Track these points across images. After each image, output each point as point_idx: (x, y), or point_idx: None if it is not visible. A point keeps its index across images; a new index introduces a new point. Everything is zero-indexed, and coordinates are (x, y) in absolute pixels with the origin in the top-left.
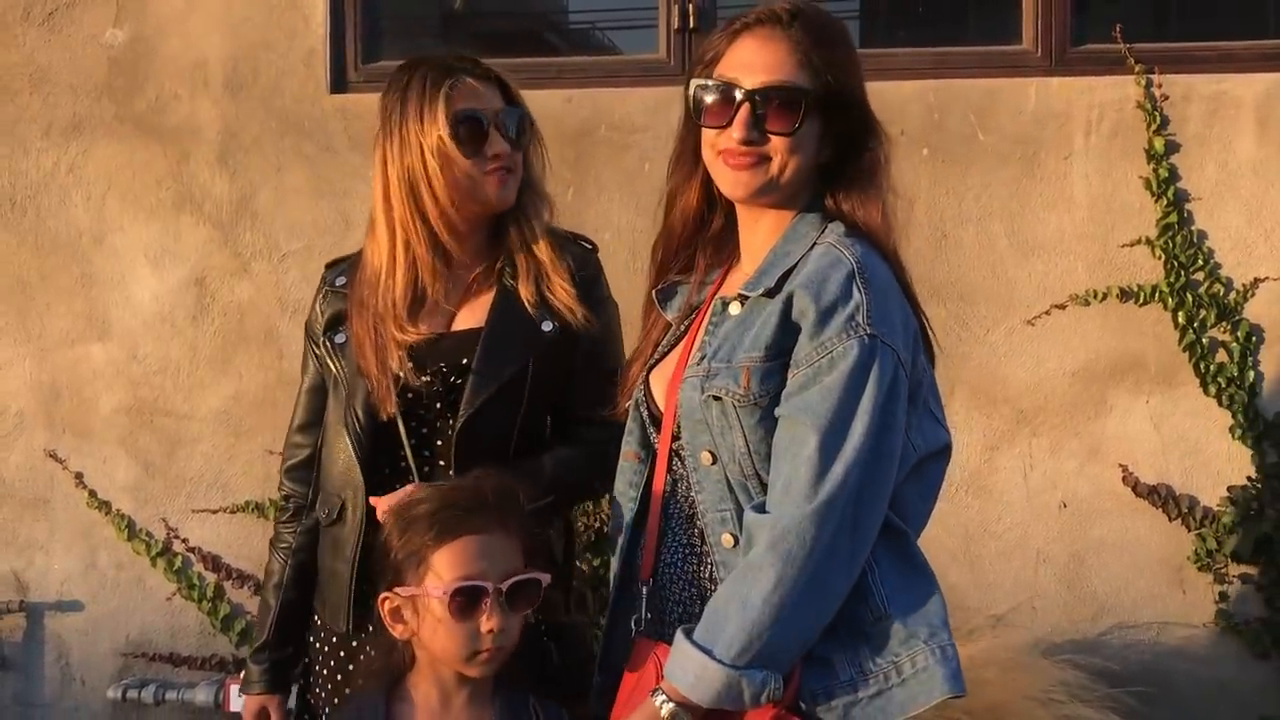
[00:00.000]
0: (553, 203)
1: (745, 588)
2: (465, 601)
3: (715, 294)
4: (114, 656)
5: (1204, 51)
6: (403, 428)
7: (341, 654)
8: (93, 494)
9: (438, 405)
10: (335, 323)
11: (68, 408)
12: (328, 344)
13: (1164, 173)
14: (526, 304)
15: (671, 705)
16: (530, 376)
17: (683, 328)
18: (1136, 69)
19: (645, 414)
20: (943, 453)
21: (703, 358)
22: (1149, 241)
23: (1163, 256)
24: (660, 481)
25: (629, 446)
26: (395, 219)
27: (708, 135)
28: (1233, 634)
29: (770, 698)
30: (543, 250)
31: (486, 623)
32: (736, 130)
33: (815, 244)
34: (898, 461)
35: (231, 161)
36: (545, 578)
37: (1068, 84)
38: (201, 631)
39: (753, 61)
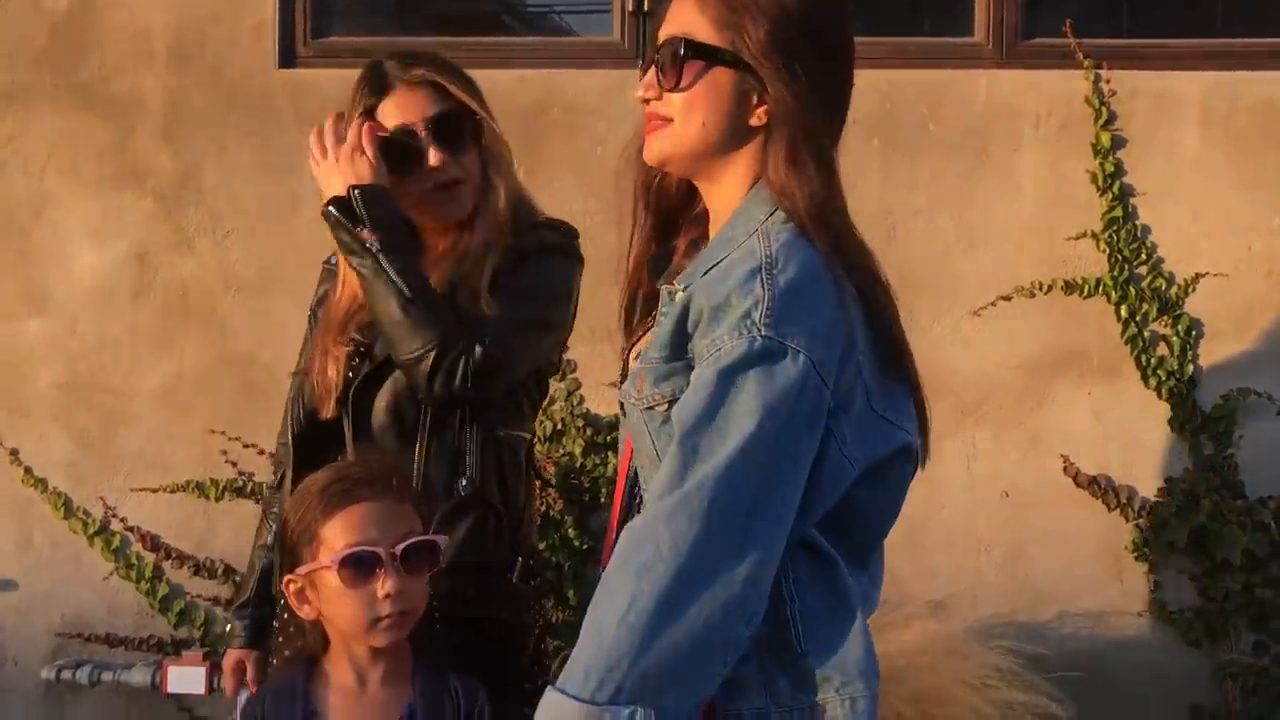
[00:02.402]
0: (510, 192)
1: (600, 611)
2: (357, 568)
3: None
4: (48, 636)
5: (1151, 48)
6: (350, 428)
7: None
8: (28, 471)
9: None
10: (319, 303)
11: (3, 383)
12: (310, 322)
13: (1110, 167)
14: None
15: None
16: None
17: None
18: (1085, 64)
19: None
20: (901, 453)
21: (639, 354)
22: (1094, 235)
23: (1107, 250)
24: (624, 468)
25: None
26: None
27: None
28: (1167, 623)
29: None
30: (480, 250)
31: (382, 588)
32: (640, 91)
33: (757, 230)
34: (797, 477)
35: (175, 135)
36: (442, 540)
37: (1018, 77)
38: (139, 612)
39: (666, 18)
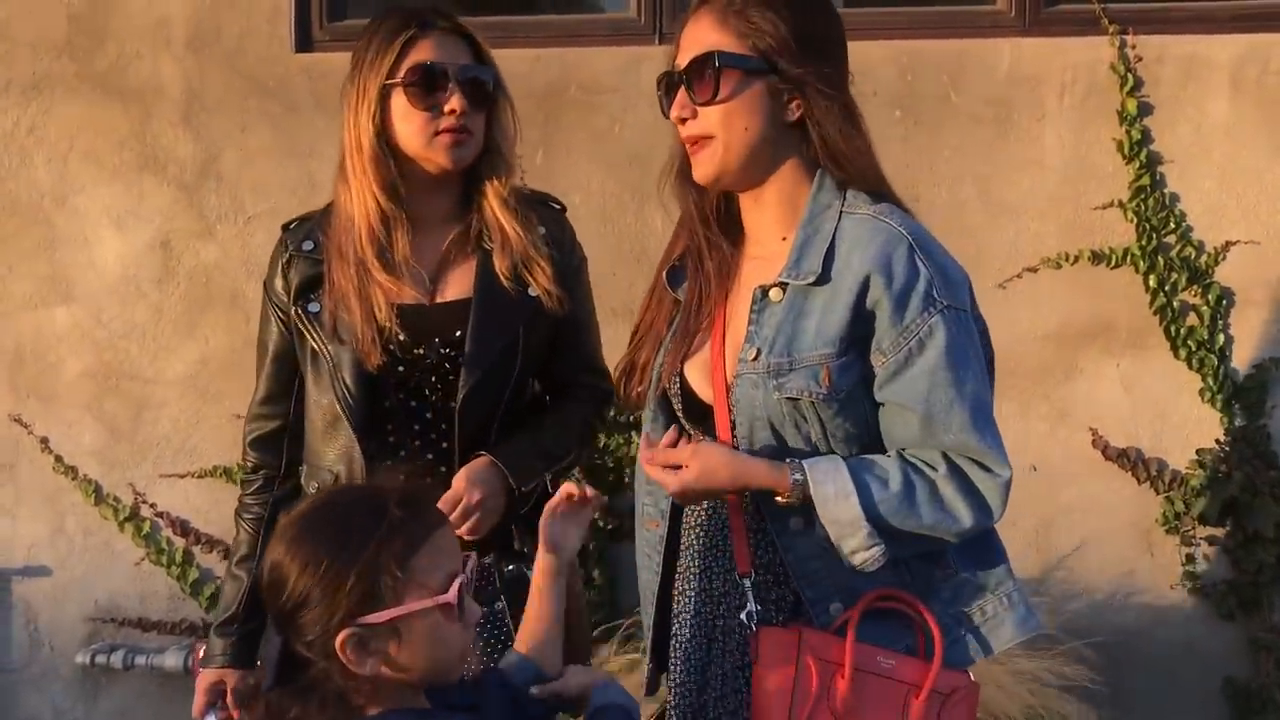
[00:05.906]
0: (514, 167)
1: (928, 509)
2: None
3: (735, 279)
4: (83, 622)
5: (1178, 12)
6: (396, 397)
7: None
8: (59, 459)
9: (431, 378)
10: (306, 290)
11: (32, 372)
12: (300, 313)
13: (1136, 135)
14: (505, 276)
15: (800, 485)
16: (521, 347)
17: (704, 313)
18: (1111, 29)
19: (680, 406)
20: None
21: (757, 353)
22: (1121, 204)
23: (1134, 219)
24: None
25: (656, 435)
26: (357, 169)
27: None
28: (1199, 596)
29: (868, 566)
30: (512, 223)
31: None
32: (673, 112)
33: (841, 214)
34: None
35: (195, 122)
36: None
37: (1041, 45)
38: (171, 596)
39: (683, 44)
